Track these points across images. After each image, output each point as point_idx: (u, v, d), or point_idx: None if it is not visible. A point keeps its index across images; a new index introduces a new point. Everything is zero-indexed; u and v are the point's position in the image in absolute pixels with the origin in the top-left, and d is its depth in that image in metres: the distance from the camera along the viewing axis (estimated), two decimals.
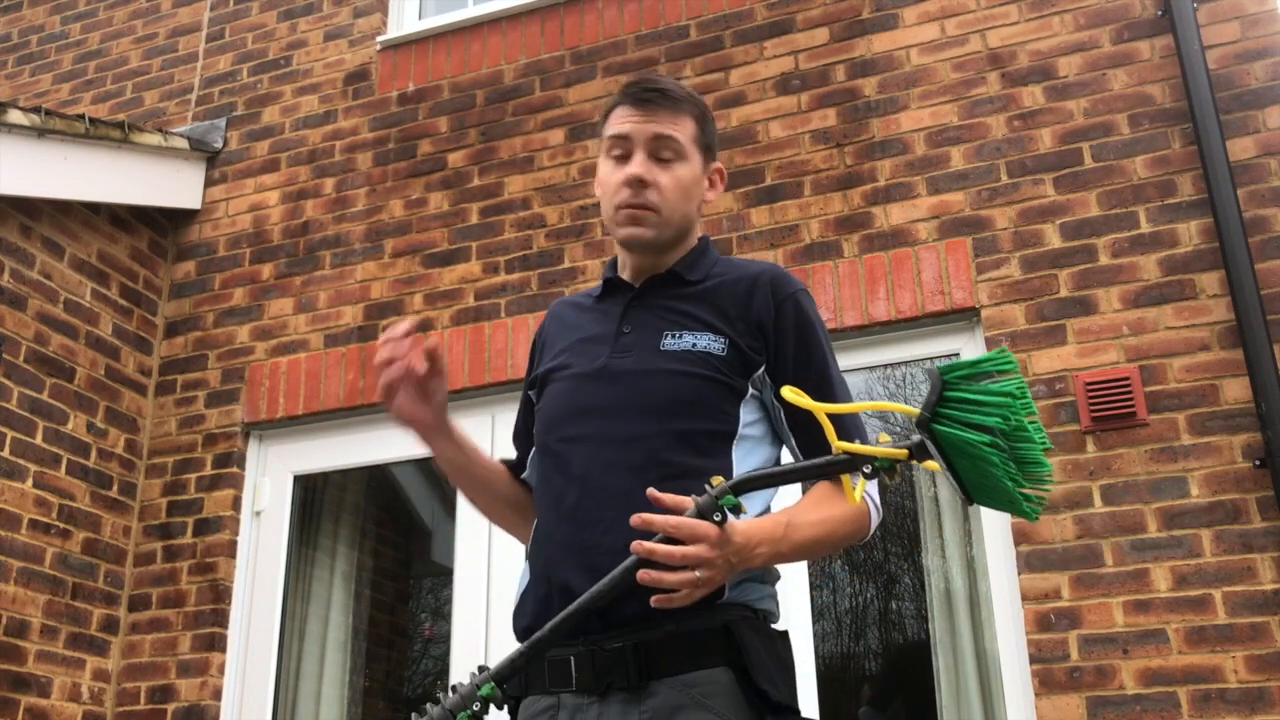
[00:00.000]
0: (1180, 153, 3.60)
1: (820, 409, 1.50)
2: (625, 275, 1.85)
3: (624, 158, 1.78)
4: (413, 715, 1.50)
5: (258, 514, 4.33)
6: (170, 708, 4.07)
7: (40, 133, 4.17)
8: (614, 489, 1.61)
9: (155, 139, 4.69)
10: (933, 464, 1.42)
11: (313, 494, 4.52)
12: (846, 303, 3.77)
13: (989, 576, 3.44)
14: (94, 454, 4.28)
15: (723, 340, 1.72)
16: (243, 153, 4.93)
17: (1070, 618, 3.23)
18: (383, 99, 4.78)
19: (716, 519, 1.44)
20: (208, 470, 4.39)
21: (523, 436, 1.91)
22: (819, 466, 1.52)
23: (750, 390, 1.73)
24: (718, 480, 1.48)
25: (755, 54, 4.27)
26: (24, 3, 5.83)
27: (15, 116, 4.06)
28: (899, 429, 3.88)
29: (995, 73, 3.92)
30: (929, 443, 1.40)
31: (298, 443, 4.40)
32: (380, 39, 4.90)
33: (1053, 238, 3.65)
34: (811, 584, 3.61)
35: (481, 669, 1.51)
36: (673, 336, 1.73)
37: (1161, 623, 3.16)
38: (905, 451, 1.43)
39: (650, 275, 1.83)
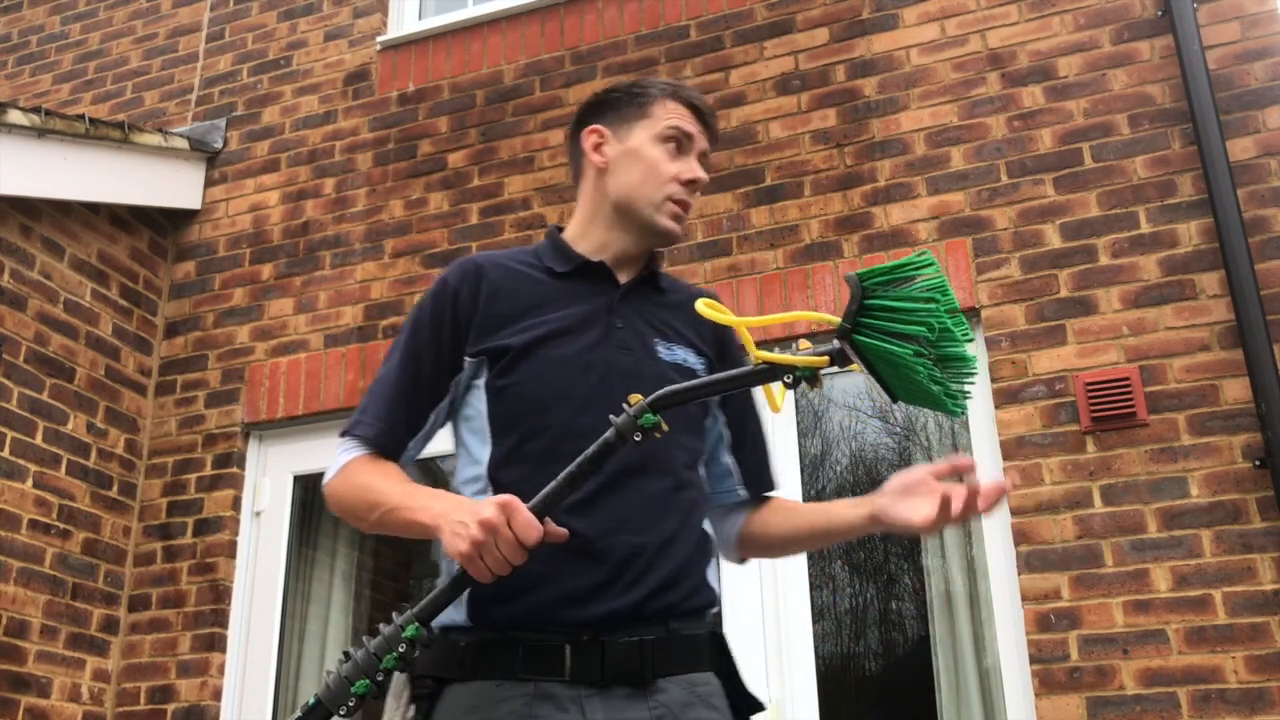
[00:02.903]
0: (1180, 153, 3.60)
1: (741, 323, 1.46)
2: (600, 259, 1.77)
3: (681, 152, 1.78)
4: (337, 660, 1.46)
5: (258, 514, 4.33)
6: (170, 708, 4.07)
7: (40, 133, 4.16)
8: (645, 491, 1.58)
9: (155, 139, 4.68)
10: (855, 367, 1.40)
11: (313, 494, 4.52)
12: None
13: (989, 577, 3.44)
14: (94, 454, 4.28)
15: (704, 361, 1.76)
16: (243, 153, 4.93)
17: (1070, 618, 3.23)
18: (383, 99, 4.78)
19: (636, 439, 1.43)
20: (208, 470, 4.39)
21: (417, 402, 1.68)
22: (739, 377, 1.47)
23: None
24: (635, 398, 1.44)
25: (755, 54, 4.27)
26: (24, 3, 5.83)
27: (15, 116, 4.06)
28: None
29: (995, 73, 3.92)
30: (850, 351, 1.37)
31: (298, 443, 4.40)
32: (380, 39, 4.90)
33: (1053, 238, 3.64)
34: (811, 584, 3.61)
35: (403, 607, 1.46)
36: (664, 346, 1.72)
37: (1161, 623, 3.16)
38: (826, 359, 1.39)
39: (634, 273, 1.79)
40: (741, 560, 1.88)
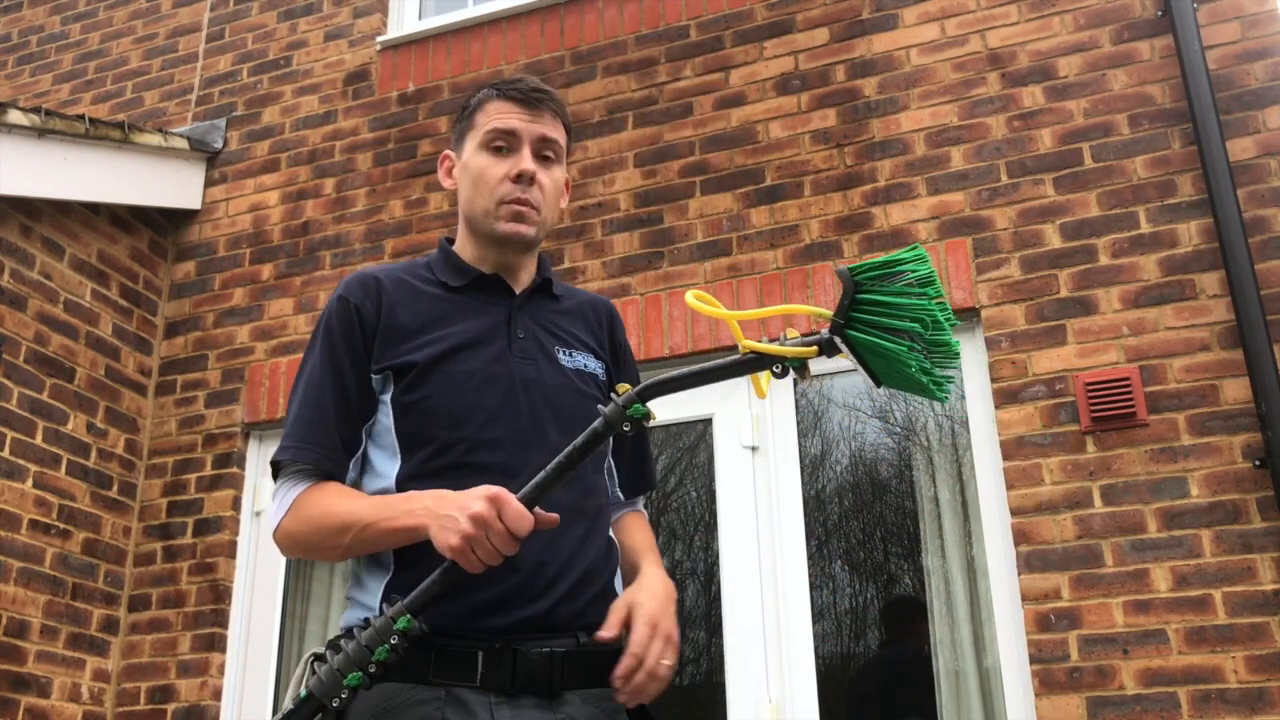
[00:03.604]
0: (1180, 153, 3.60)
1: (731, 317, 1.45)
2: (486, 271, 1.77)
3: (507, 152, 1.74)
4: (327, 653, 1.46)
5: (258, 514, 4.33)
6: (170, 708, 4.07)
7: (40, 133, 4.16)
8: (556, 499, 1.54)
9: (155, 139, 4.68)
10: (842, 356, 1.40)
11: None
12: None
13: (989, 577, 3.44)
14: (94, 454, 4.28)
15: (602, 365, 1.78)
16: (243, 153, 4.93)
17: (1070, 618, 3.23)
18: (383, 99, 4.78)
19: (626, 429, 1.43)
20: (208, 470, 4.39)
21: (349, 421, 1.65)
22: (728, 367, 1.43)
23: None
24: (624, 388, 1.44)
25: (755, 54, 4.27)
26: (24, 3, 5.83)
27: (15, 116, 4.06)
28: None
29: (995, 73, 3.92)
30: (841, 344, 1.37)
31: None
32: (380, 39, 4.90)
33: (1053, 238, 3.64)
34: (811, 584, 3.61)
35: (393, 600, 1.46)
36: (565, 353, 1.74)
37: (1161, 623, 3.16)
38: (815, 349, 1.39)
39: (525, 281, 1.79)
40: None
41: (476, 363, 1.65)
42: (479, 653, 1.50)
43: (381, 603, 1.55)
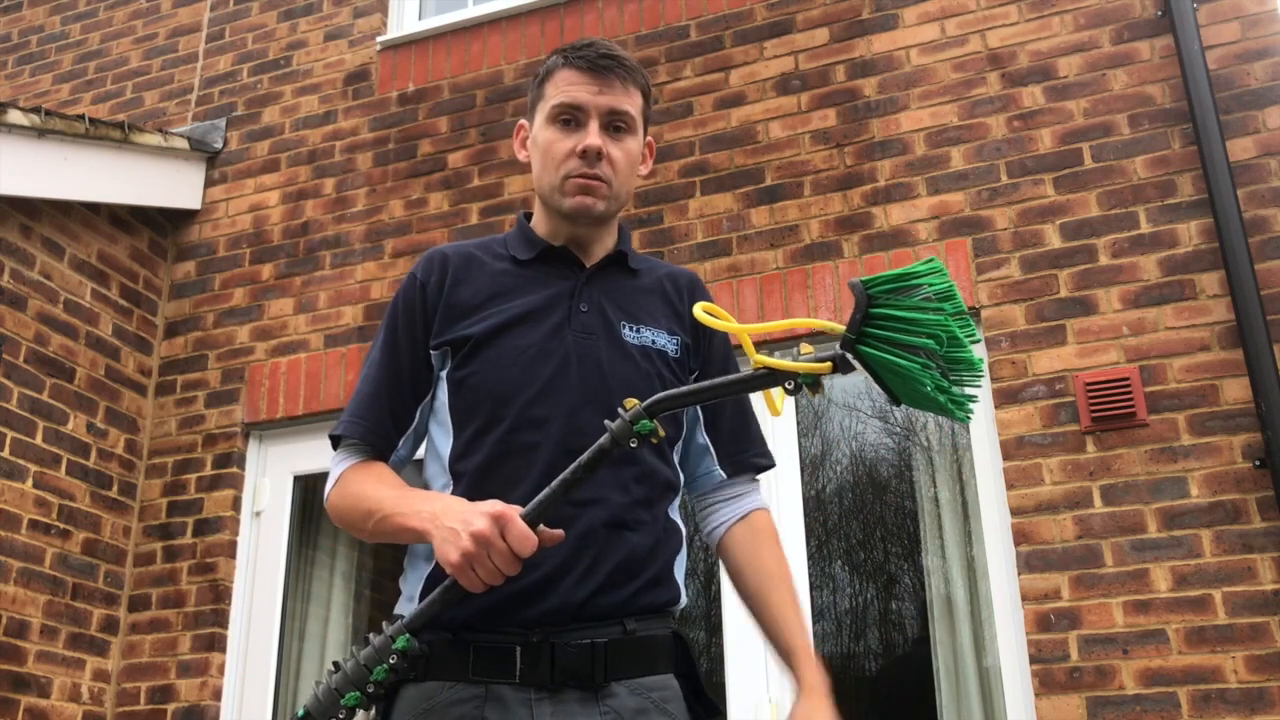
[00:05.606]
0: (1180, 153, 3.60)
1: (743, 330, 1.42)
2: (563, 244, 1.73)
3: (574, 125, 1.69)
4: (326, 671, 1.44)
5: (258, 514, 4.33)
6: (170, 708, 4.07)
7: (40, 133, 4.16)
8: (603, 481, 1.51)
9: (155, 139, 4.68)
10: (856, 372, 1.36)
11: (313, 494, 4.52)
12: (846, 303, 3.77)
13: (989, 577, 3.44)
14: (94, 454, 4.28)
15: (676, 341, 1.71)
16: (243, 153, 4.93)
17: (1070, 618, 3.23)
18: (383, 99, 4.78)
19: (632, 444, 1.39)
20: (208, 470, 4.39)
21: (401, 397, 1.66)
22: (739, 383, 1.40)
23: None
24: (631, 403, 1.40)
25: (755, 54, 4.27)
26: (24, 3, 5.83)
27: (15, 116, 4.06)
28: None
29: (995, 73, 3.92)
30: (855, 361, 1.32)
31: (298, 443, 4.40)
32: (380, 39, 4.90)
33: (1053, 238, 3.65)
34: (811, 584, 3.61)
35: (396, 618, 1.44)
36: (631, 329, 1.68)
37: (1161, 623, 3.16)
38: (829, 365, 1.34)
39: (600, 254, 1.74)
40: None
41: (531, 337, 1.62)
42: (516, 648, 1.47)
43: (420, 594, 1.54)
